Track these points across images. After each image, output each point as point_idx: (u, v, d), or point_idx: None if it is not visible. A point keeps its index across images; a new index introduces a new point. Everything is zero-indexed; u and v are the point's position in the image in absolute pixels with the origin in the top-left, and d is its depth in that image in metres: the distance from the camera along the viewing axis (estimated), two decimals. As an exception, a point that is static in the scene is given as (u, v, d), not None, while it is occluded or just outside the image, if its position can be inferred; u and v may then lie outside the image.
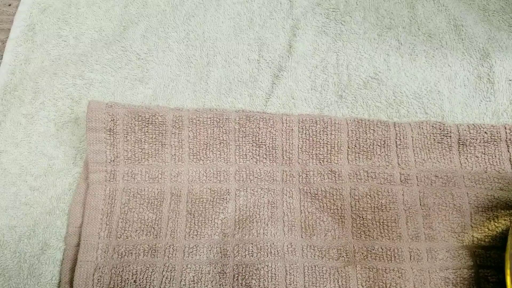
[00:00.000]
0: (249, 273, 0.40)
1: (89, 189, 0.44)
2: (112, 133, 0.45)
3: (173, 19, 0.54)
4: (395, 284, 0.40)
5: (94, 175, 0.44)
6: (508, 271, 0.39)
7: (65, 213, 0.44)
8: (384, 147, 0.46)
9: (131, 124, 0.45)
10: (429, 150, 0.46)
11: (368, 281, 0.41)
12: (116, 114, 0.45)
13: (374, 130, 0.46)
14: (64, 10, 0.55)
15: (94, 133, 0.44)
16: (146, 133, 0.45)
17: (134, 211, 0.43)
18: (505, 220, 0.44)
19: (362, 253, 0.42)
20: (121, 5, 0.55)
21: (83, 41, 0.53)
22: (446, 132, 0.46)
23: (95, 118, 0.44)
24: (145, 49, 0.52)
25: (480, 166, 0.46)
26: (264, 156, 0.46)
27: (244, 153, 0.46)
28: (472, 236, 0.43)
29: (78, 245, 0.43)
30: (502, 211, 0.44)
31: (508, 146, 0.46)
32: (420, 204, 0.44)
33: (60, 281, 0.42)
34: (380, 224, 0.43)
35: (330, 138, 0.46)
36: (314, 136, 0.46)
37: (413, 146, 0.46)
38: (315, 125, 0.46)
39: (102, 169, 0.44)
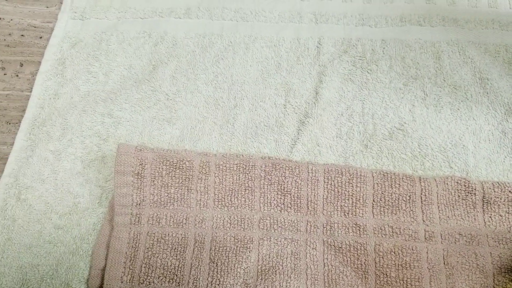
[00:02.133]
0: (271, 327, 0.40)
1: (114, 231, 0.44)
2: (139, 177, 0.45)
3: (202, 61, 0.55)
4: None
5: (119, 217, 0.44)
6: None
7: (88, 254, 0.44)
8: (409, 202, 0.46)
9: (159, 168, 0.45)
10: (453, 207, 0.46)
11: None
12: (144, 158, 0.45)
13: (399, 184, 0.46)
14: (95, 46, 0.56)
15: (122, 177, 0.45)
16: (173, 178, 0.46)
17: (157, 257, 0.43)
18: (528, 282, 0.43)
19: (385, 312, 0.42)
20: (151, 43, 0.56)
21: (113, 78, 0.54)
22: (471, 189, 0.46)
23: (124, 162, 0.45)
24: (174, 90, 0.53)
25: (504, 225, 0.46)
26: (289, 205, 0.46)
27: (269, 201, 0.46)
28: (495, 297, 0.43)
29: (100, 288, 0.43)
30: (526, 273, 0.44)
31: (532, 206, 0.46)
32: (444, 263, 0.44)
33: (81, 326, 0.42)
34: (404, 282, 0.43)
35: (356, 190, 0.46)
36: (340, 187, 0.46)
37: (438, 203, 0.46)
38: (340, 176, 0.46)
39: (127, 212, 0.45)
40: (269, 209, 0.46)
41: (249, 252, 0.44)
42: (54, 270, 0.44)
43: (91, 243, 0.45)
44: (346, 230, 0.45)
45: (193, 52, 0.55)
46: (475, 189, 0.46)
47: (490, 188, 0.46)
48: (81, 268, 0.44)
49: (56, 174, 0.48)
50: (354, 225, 0.45)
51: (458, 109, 0.52)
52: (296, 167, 0.47)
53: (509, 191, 0.46)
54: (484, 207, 0.46)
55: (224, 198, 0.46)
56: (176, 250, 0.44)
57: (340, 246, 0.44)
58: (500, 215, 0.46)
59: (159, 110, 0.52)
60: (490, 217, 0.46)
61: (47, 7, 0.59)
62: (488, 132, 0.51)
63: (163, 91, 0.53)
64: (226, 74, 0.54)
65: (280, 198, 0.46)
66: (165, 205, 0.45)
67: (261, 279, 0.43)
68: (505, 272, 0.44)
